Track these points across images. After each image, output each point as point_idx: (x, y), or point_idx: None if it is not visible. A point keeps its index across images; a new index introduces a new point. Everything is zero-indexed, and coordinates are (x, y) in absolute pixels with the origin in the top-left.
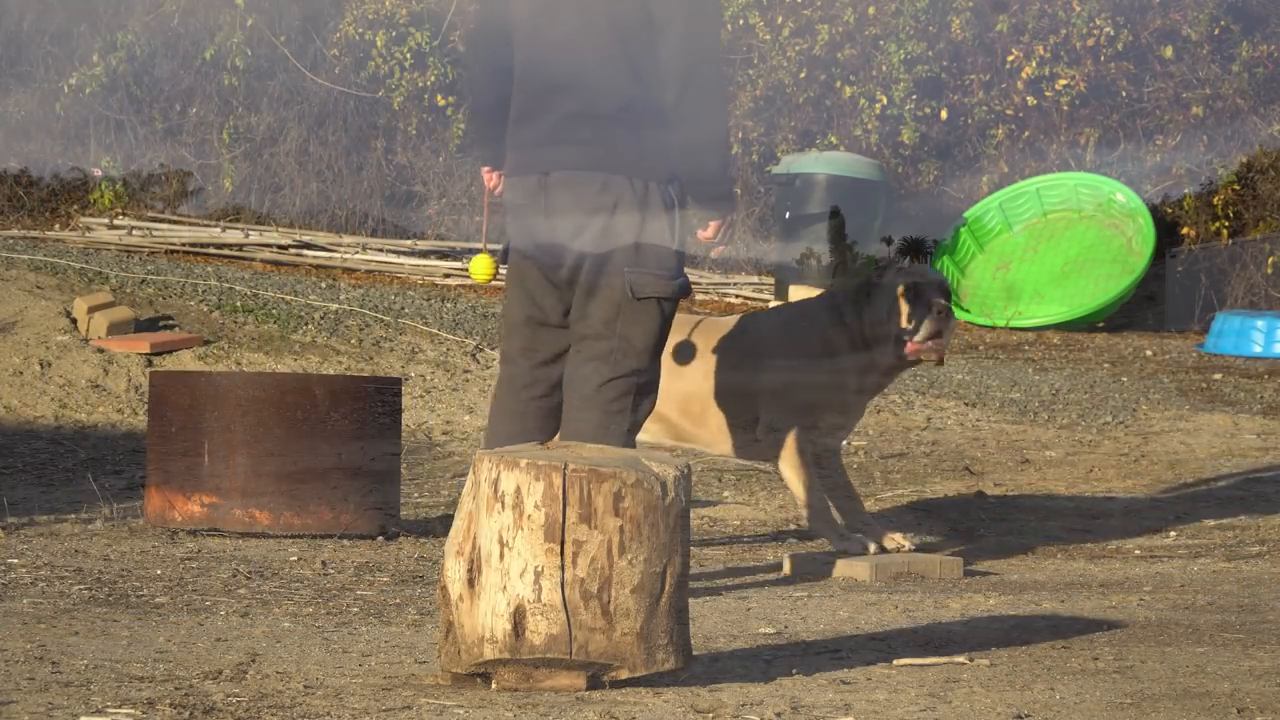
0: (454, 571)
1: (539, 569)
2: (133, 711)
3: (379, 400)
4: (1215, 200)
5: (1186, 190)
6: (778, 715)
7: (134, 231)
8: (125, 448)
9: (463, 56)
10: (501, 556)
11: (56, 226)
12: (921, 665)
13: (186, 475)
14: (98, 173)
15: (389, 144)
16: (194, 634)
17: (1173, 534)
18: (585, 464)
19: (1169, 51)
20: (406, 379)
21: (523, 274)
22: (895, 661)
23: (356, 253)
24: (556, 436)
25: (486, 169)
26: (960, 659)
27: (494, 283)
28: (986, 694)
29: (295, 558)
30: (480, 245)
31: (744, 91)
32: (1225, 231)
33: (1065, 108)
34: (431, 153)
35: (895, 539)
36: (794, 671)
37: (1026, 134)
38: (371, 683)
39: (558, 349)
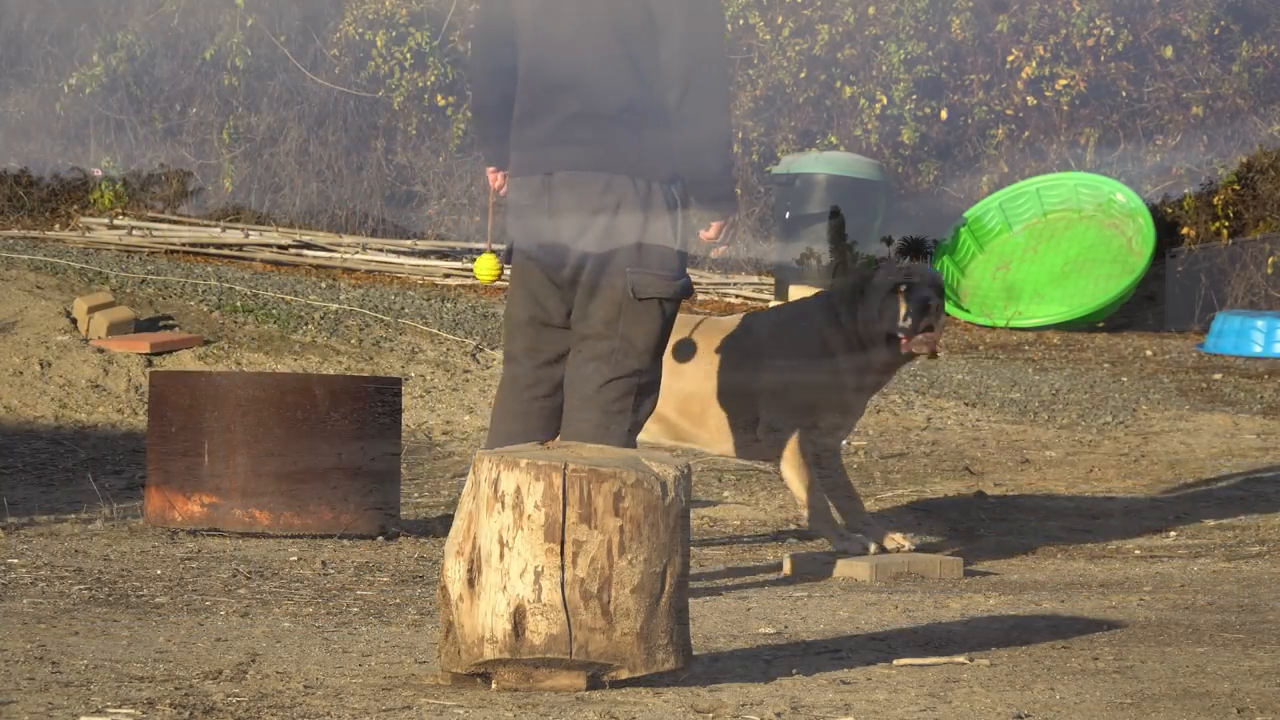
0: (454, 571)
1: (539, 569)
2: (133, 711)
3: (379, 400)
4: (1215, 200)
5: (1186, 190)
6: (778, 715)
7: (134, 231)
8: (125, 448)
9: (467, 56)
10: (501, 556)
11: (56, 226)
12: (921, 665)
13: (186, 475)
14: (98, 173)
15: (389, 144)
16: (194, 634)
17: (1173, 534)
18: (585, 464)
19: (1169, 51)
20: (406, 379)
21: (526, 274)
22: (895, 661)
23: (356, 253)
24: (558, 437)
25: (491, 169)
26: (960, 659)
27: (496, 283)
28: (986, 694)
29: (295, 558)
30: (484, 246)
31: (744, 91)
32: (1225, 231)
33: (1065, 108)
34: (431, 153)
35: (895, 539)
36: (794, 671)
37: (1026, 134)
38: (371, 683)
39: (561, 349)
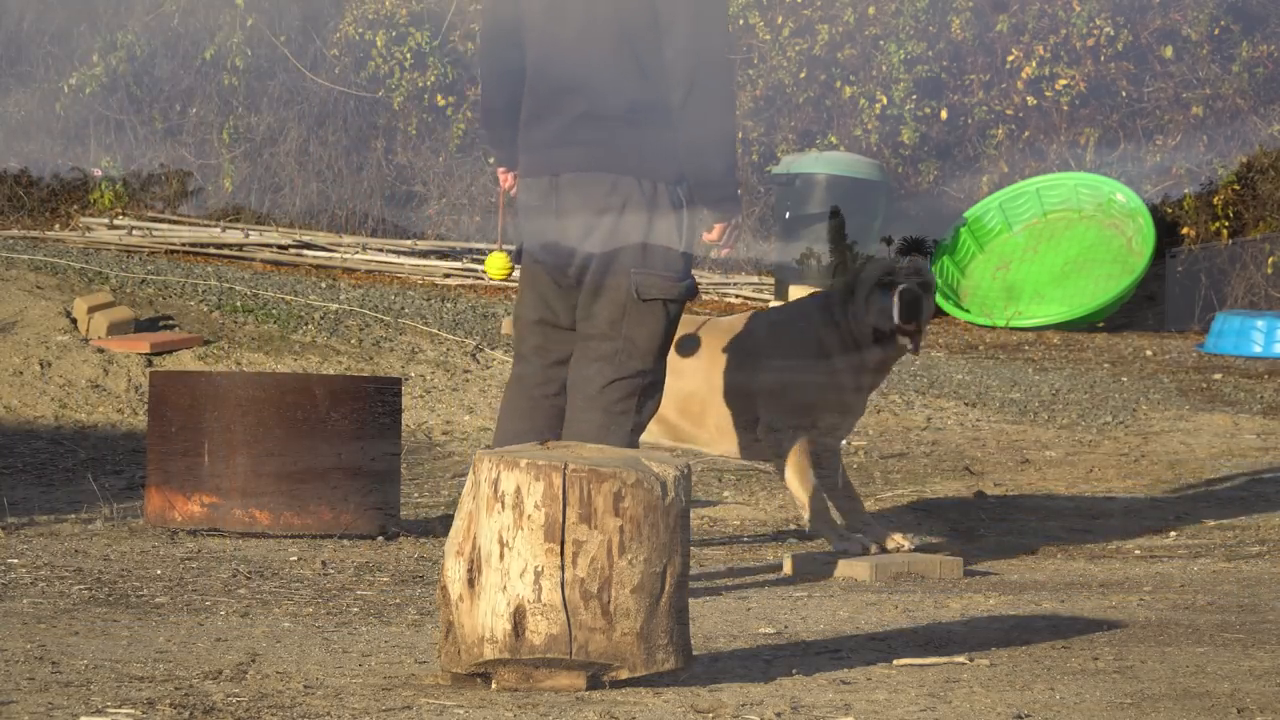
0: (454, 571)
1: (539, 569)
2: (133, 711)
3: (379, 400)
4: (1215, 200)
5: (1186, 190)
6: (778, 715)
7: (134, 231)
8: (125, 448)
9: (467, 56)
10: (501, 556)
11: (56, 226)
12: (921, 665)
13: (186, 475)
14: (98, 173)
15: (389, 144)
16: (194, 634)
17: (1173, 534)
18: (585, 464)
19: (1169, 51)
20: (406, 379)
21: (535, 276)
22: (895, 661)
23: (356, 253)
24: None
25: (502, 170)
26: (960, 659)
27: (494, 282)
28: (986, 694)
29: (295, 558)
30: (484, 245)
31: (744, 91)
32: (1225, 231)
33: (1065, 108)
34: (431, 153)
35: (895, 539)
36: (794, 671)
37: (1026, 134)
38: (371, 683)
39: (570, 350)
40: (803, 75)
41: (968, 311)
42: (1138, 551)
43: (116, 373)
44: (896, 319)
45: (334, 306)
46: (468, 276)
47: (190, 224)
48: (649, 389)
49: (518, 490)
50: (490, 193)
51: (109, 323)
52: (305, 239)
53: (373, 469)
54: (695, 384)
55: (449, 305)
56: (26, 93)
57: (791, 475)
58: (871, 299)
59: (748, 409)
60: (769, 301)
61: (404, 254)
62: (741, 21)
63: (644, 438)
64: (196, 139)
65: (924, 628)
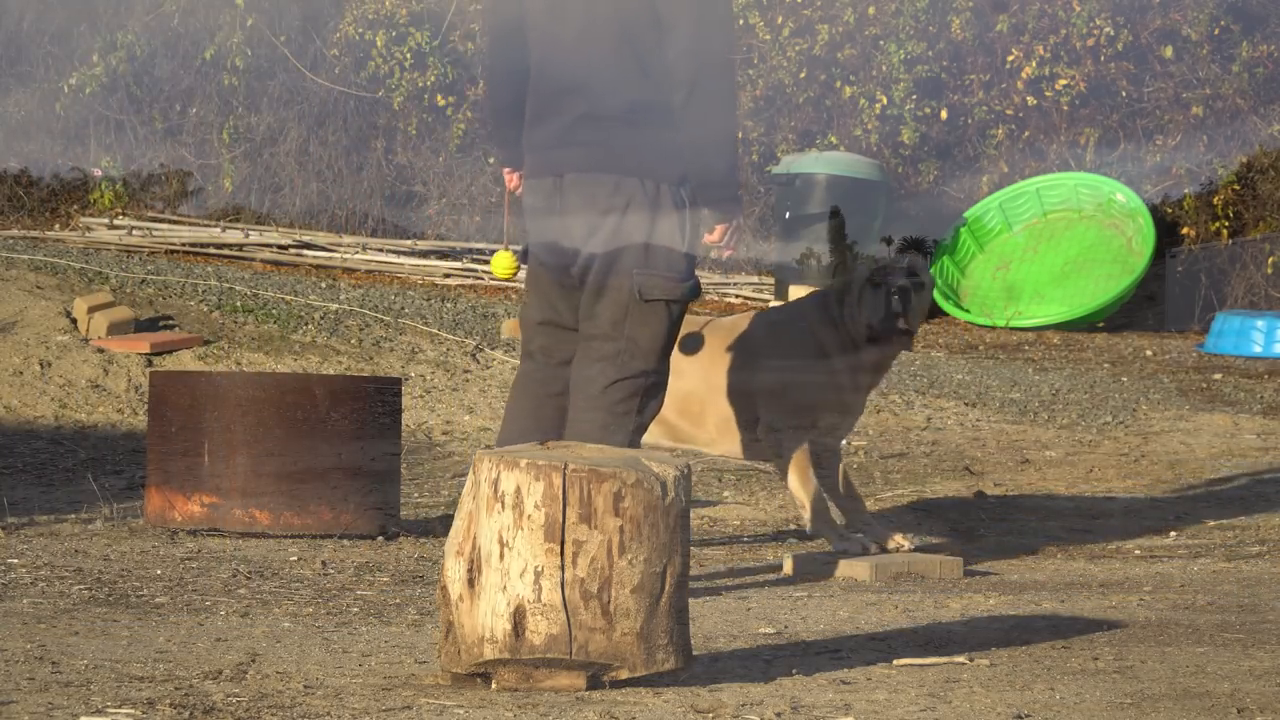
0: (454, 571)
1: (539, 569)
2: (133, 711)
3: (379, 400)
4: (1215, 200)
5: (1186, 190)
6: (778, 715)
7: (134, 231)
8: (125, 448)
9: (467, 56)
10: (501, 556)
11: (56, 226)
12: (921, 665)
13: (186, 475)
14: (98, 173)
15: (389, 144)
16: (194, 634)
17: (1173, 534)
18: (585, 464)
19: (1169, 51)
20: (406, 379)
21: (539, 277)
22: (895, 661)
23: (356, 253)
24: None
25: (507, 170)
26: (960, 659)
27: (499, 281)
28: (986, 694)
29: (295, 558)
30: (494, 245)
31: (744, 91)
32: (1225, 231)
33: (1065, 108)
34: (431, 153)
35: (895, 539)
36: (794, 671)
37: (1026, 134)
38: (371, 683)
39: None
40: (803, 75)
41: (968, 311)
42: (1138, 551)
43: (116, 373)
44: (885, 315)
45: (334, 306)
46: (468, 276)
47: (190, 224)
48: (651, 390)
49: (518, 490)
50: (490, 192)
51: (109, 323)
52: (305, 239)
53: (373, 469)
54: (695, 384)
55: (449, 305)
56: (26, 93)
57: (792, 475)
58: (864, 296)
59: (748, 409)
60: (769, 301)
61: (404, 254)
62: (741, 21)
63: (645, 439)
64: (196, 139)
65: (924, 628)
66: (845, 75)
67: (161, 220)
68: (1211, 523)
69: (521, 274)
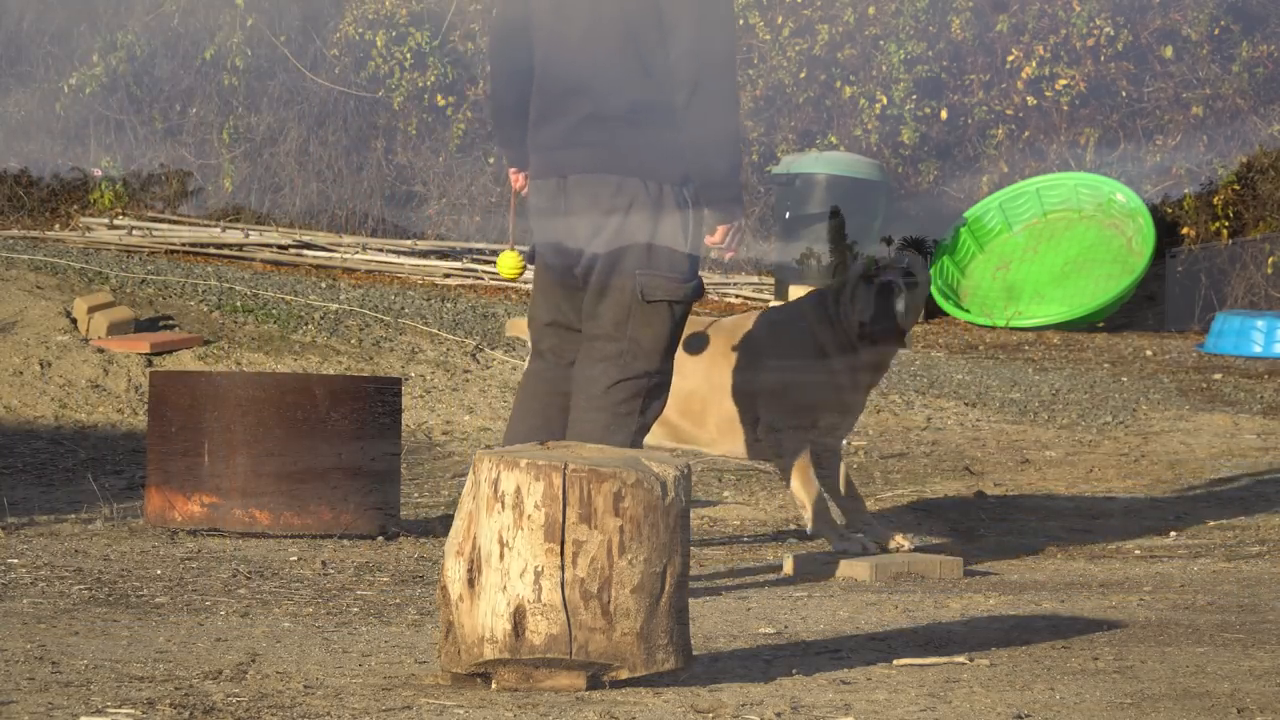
0: (454, 571)
1: (539, 569)
2: (133, 711)
3: (379, 400)
4: (1215, 200)
5: (1186, 190)
6: (778, 715)
7: (134, 231)
8: (125, 448)
9: (467, 56)
10: (501, 556)
11: (56, 226)
12: (921, 665)
13: (186, 475)
14: (98, 173)
15: (389, 144)
16: (194, 634)
17: (1173, 534)
18: (585, 464)
19: (1169, 51)
20: (406, 379)
21: (546, 278)
22: (895, 661)
23: (356, 253)
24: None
25: (513, 170)
26: (960, 659)
27: (505, 281)
28: (986, 694)
29: (295, 558)
30: (494, 245)
31: (744, 91)
32: (1225, 231)
33: (1065, 108)
34: (431, 153)
35: (896, 539)
36: (794, 671)
37: (1026, 134)
38: (371, 683)
39: None
40: (803, 75)
41: (968, 311)
42: (1138, 551)
43: (116, 373)
44: (877, 312)
45: (334, 306)
46: (468, 276)
47: (190, 224)
48: (654, 390)
49: (518, 490)
50: (490, 192)
51: (109, 323)
52: (305, 239)
53: (373, 469)
54: (696, 384)
55: (449, 305)
56: (26, 93)
57: (793, 475)
58: (857, 293)
59: (748, 408)
60: (769, 301)
61: (404, 254)
62: (741, 21)
63: (646, 439)
64: (196, 139)
65: (924, 628)
66: (845, 75)
67: (161, 220)
68: (1211, 523)
69: (527, 274)
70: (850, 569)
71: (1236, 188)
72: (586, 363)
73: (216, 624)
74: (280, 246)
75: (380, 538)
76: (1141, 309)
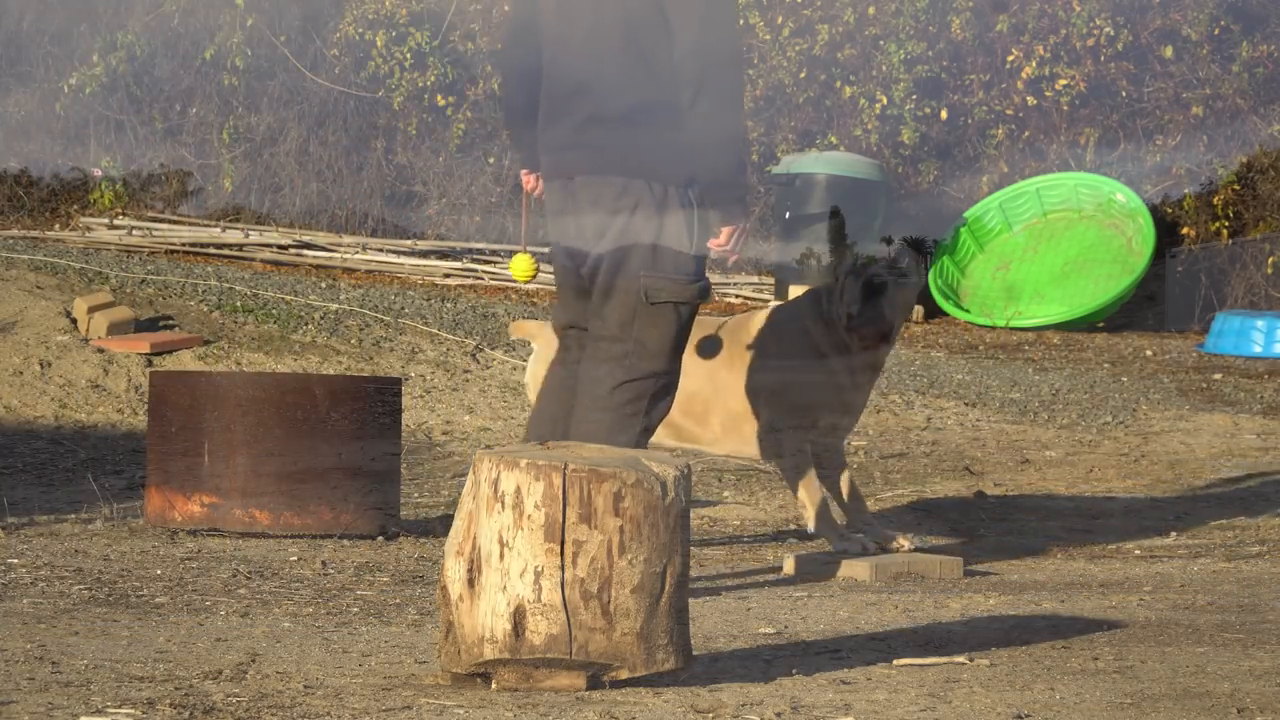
0: (454, 571)
1: (539, 569)
2: (133, 711)
3: (379, 400)
4: (1215, 200)
5: (1186, 190)
6: (778, 715)
7: (134, 231)
8: (125, 448)
9: (467, 56)
10: (501, 556)
11: (56, 226)
12: (921, 665)
13: (186, 475)
14: (98, 173)
15: (389, 144)
16: (194, 634)
17: (1173, 534)
18: (585, 464)
19: (1169, 51)
20: (406, 379)
21: (561, 280)
22: (895, 661)
23: (356, 253)
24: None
25: (524, 171)
26: (960, 659)
27: (496, 281)
28: (986, 694)
29: (295, 558)
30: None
31: (744, 91)
32: (1225, 231)
33: (1065, 108)
34: (431, 153)
35: (896, 539)
36: (794, 671)
37: (1026, 134)
38: (371, 683)
39: None
40: (803, 75)
41: (968, 311)
42: (1138, 551)
43: (116, 373)
44: (863, 307)
45: (334, 306)
46: (468, 276)
47: (190, 224)
48: (660, 391)
49: (518, 490)
50: (490, 192)
51: (109, 323)
52: (305, 239)
53: (373, 469)
54: (698, 383)
55: (449, 305)
56: (26, 93)
57: (792, 475)
58: (845, 288)
59: (750, 408)
60: (769, 302)
61: (404, 254)
62: (742, 21)
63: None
64: (196, 139)
65: (924, 628)
66: (845, 75)
67: (161, 220)
68: (1211, 523)
69: (541, 277)
70: (850, 569)
71: (1236, 188)
72: (592, 363)
73: (216, 624)
74: (280, 246)
75: (380, 538)
76: (1141, 309)
